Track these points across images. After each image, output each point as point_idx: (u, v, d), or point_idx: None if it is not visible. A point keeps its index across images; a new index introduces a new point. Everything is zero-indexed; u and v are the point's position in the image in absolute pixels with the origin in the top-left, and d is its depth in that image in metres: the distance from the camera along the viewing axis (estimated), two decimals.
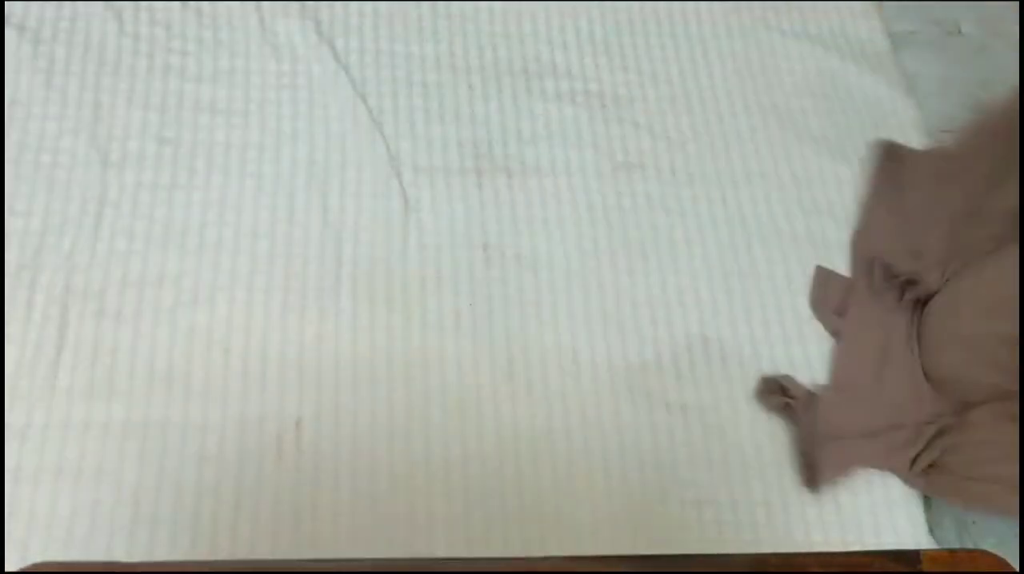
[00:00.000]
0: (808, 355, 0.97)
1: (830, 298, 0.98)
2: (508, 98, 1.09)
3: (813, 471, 0.88)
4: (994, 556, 0.52)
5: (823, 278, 1.00)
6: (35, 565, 0.48)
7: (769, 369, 0.95)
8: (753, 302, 1.00)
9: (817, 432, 0.88)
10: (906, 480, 0.89)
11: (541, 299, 0.96)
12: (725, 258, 1.02)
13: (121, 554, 0.79)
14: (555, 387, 0.91)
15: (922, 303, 0.96)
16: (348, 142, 1.03)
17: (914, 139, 1.16)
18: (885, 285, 0.98)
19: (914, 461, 0.88)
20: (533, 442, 0.88)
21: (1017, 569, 0.52)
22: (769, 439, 0.91)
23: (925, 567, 0.51)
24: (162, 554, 0.80)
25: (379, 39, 1.12)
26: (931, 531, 0.88)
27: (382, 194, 1.01)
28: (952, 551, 0.53)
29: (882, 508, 0.89)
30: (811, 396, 0.91)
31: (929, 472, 0.88)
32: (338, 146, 1.03)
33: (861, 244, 1.03)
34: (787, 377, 0.93)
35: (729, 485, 0.89)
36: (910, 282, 0.97)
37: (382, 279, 0.95)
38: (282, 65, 1.07)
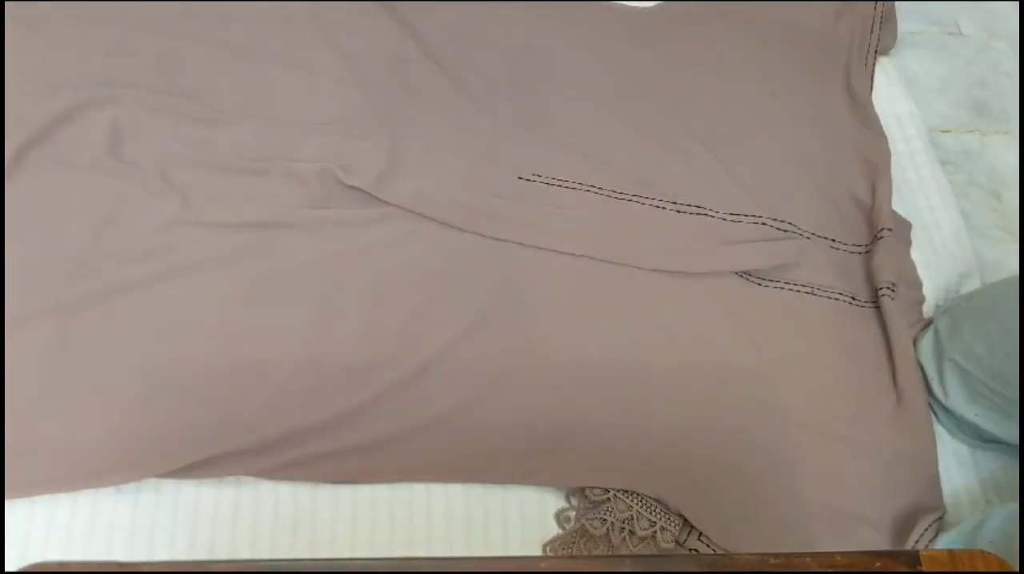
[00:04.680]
0: None
1: None
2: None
3: None
4: (994, 556, 0.52)
5: None
6: (35, 565, 0.48)
7: None
8: None
9: None
10: None
11: None
12: None
13: (121, 554, 0.80)
14: None
15: None
16: None
17: (914, 139, 1.16)
18: None
19: None
20: None
21: (1017, 569, 0.52)
22: None
23: (925, 567, 0.51)
24: (162, 554, 0.80)
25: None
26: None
27: None
28: (952, 551, 0.52)
29: None
30: None
31: None
32: None
33: None
34: None
35: None
36: None
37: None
38: None
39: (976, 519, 0.85)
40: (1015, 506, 0.82)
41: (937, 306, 1.01)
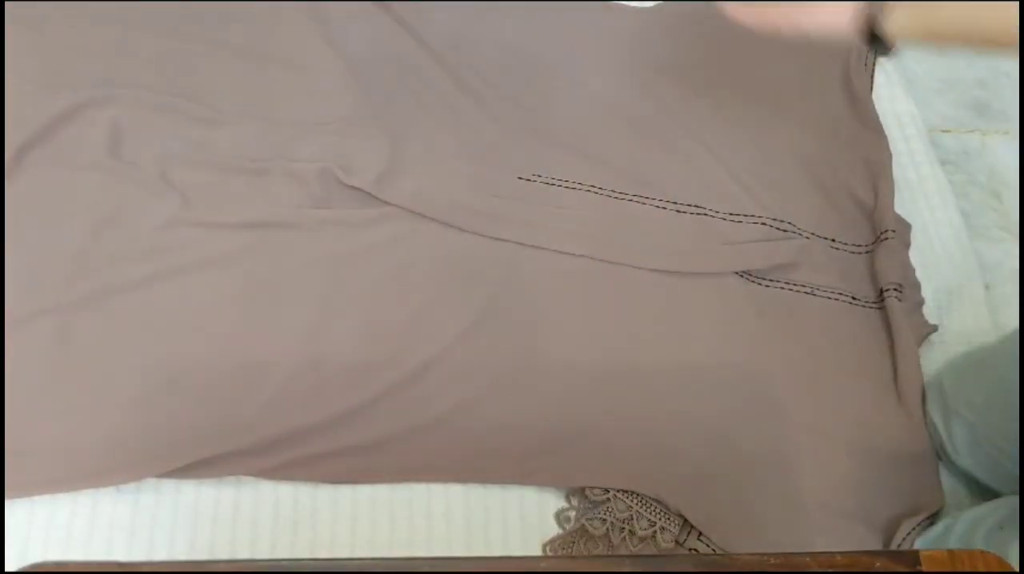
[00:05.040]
0: None
1: None
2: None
3: None
4: (994, 556, 0.52)
5: None
6: (35, 565, 0.48)
7: None
8: None
9: None
10: None
11: None
12: None
13: (121, 554, 0.80)
14: None
15: None
16: None
17: (914, 139, 1.16)
18: None
19: None
20: None
21: (1017, 569, 0.52)
22: None
23: (924, 567, 0.51)
24: (162, 554, 0.80)
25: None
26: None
27: None
28: (952, 551, 0.52)
29: None
30: None
31: None
32: None
33: None
34: None
35: None
36: None
37: None
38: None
39: (946, 523, 0.85)
40: (978, 511, 0.82)
41: (937, 370, 0.97)
